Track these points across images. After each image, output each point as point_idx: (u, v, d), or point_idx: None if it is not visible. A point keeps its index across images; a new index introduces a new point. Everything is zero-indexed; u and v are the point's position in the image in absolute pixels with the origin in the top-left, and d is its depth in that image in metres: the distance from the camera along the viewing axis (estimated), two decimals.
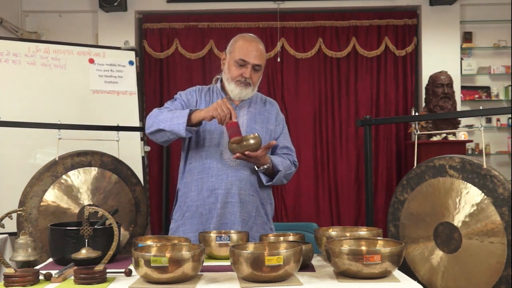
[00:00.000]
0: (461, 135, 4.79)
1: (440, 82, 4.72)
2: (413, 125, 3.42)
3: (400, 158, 5.32)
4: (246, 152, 2.04)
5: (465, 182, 2.08)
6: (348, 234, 1.99)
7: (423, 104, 4.95)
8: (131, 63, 4.27)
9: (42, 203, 2.46)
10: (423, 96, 4.96)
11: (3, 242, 3.10)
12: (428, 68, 5.12)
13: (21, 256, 1.92)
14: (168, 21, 5.27)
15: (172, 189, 2.81)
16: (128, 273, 1.69)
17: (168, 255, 1.54)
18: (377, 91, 5.30)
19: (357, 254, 1.58)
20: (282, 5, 5.22)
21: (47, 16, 5.28)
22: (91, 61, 4.10)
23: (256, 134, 2.07)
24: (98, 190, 2.59)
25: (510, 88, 5.25)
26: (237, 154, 2.06)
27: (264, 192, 2.28)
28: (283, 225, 3.90)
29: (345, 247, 1.72)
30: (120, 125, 2.75)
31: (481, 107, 2.30)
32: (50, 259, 1.99)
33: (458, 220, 2.08)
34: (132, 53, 4.33)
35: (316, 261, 1.95)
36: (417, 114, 4.22)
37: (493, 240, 1.97)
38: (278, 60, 5.20)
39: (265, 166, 2.16)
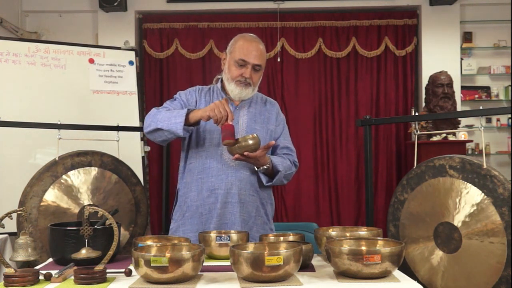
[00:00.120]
0: (461, 135, 4.79)
1: (440, 82, 4.72)
2: (413, 125, 3.42)
3: (400, 158, 5.31)
4: (245, 153, 2.04)
5: (465, 182, 2.08)
6: (348, 234, 1.99)
7: (423, 104, 4.95)
8: (131, 63, 4.27)
9: (42, 203, 2.46)
10: (423, 96, 4.96)
11: (3, 242, 3.10)
12: (428, 68, 5.12)
13: (21, 256, 1.92)
14: (168, 21, 5.27)
15: (172, 189, 2.81)
16: (128, 273, 1.69)
17: (168, 255, 1.54)
18: (377, 91, 5.30)
19: (357, 254, 1.58)
20: (282, 5, 5.22)
21: (47, 16, 5.28)
22: (91, 61, 4.10)
23: (255, 134, 2.07)
24: (98, 190, 2.59)
25: (510, 88, 5.24)
26: (236, 155, 2.06)
27: (264, 192, 2.27)
28: (283, 225, 3.90)
29: (345, 247, 1.72)
30: (120, 125, 2.75)
31: (481, 107, 2.31)
32: (50, 259, 1.99)
33: (458, 220, 2.08)
34: (132, 53, 4.33)
35: (316, 261, 1.95)
36: (417, 114, 4.22)
37: (493, 240, 1.97)
38: (278, 60, 5.19)
39: (265, 167, 2.16)
